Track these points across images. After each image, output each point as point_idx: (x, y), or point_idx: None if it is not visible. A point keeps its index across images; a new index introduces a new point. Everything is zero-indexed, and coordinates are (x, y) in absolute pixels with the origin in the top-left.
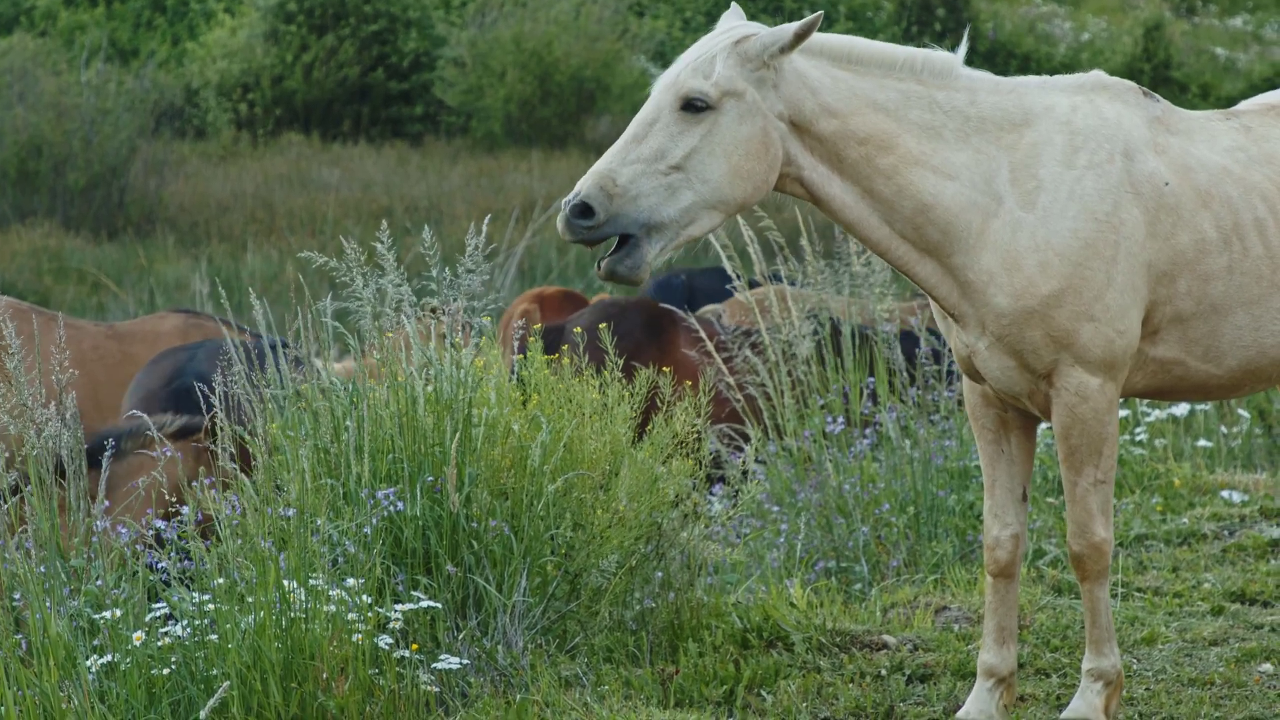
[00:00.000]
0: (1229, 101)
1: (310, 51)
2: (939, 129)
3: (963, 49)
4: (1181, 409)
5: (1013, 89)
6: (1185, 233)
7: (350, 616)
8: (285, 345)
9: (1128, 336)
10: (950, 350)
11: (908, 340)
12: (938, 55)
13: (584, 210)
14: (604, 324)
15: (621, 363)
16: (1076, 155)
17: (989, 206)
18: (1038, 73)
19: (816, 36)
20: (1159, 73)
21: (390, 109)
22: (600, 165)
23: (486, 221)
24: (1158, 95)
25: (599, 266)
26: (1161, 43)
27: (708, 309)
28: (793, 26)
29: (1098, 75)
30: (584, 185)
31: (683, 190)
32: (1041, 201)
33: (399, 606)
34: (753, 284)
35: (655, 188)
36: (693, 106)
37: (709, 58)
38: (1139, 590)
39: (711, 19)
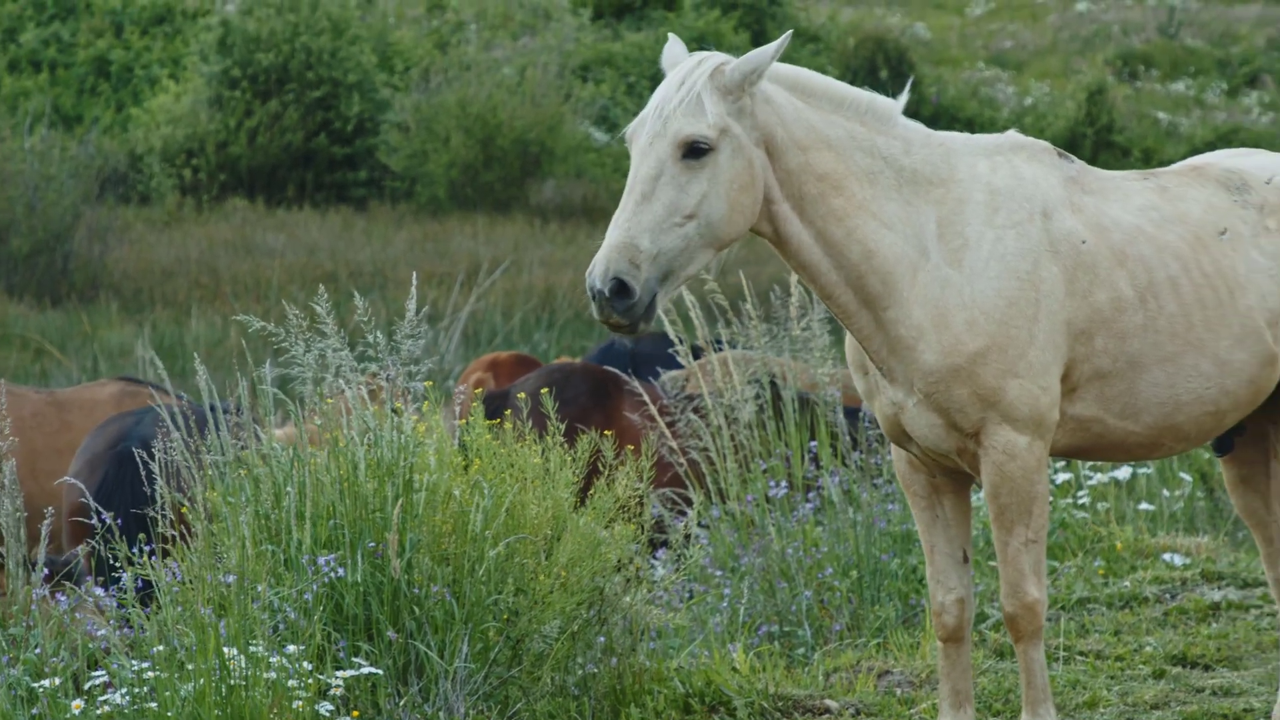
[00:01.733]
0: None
1: (254, 117)
2: (877, 175)
3: (904, 97)
4: (1123, 472)
5: (941, 143)
6: (1102, 290)
7: (291, 683)
8: (227, 411)
9: (1051, 393)
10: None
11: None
12: (881, 100)
13: (622, 290)
14: (547, 389)
15: (564, 427)
16: (996, 214)
17: (918, 261)
18: None
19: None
20: (1101, 137)
21: (334, 174)
22: (618, 237)
23: (415, 285)
24: (1072, 155)
25: (615, 320)
26: (1104, 107)
27: (671, 375)
28: (770, 49)
29: (1013, 136)
30: (611, 264)
31: (694, 236)
32: (967, 260)
33: (340, 673)
34: (695, 349)
35: (674, 241)
36: (696, 152)
37: (694, 98)
38: (1081, 654)
39: (655, 81)
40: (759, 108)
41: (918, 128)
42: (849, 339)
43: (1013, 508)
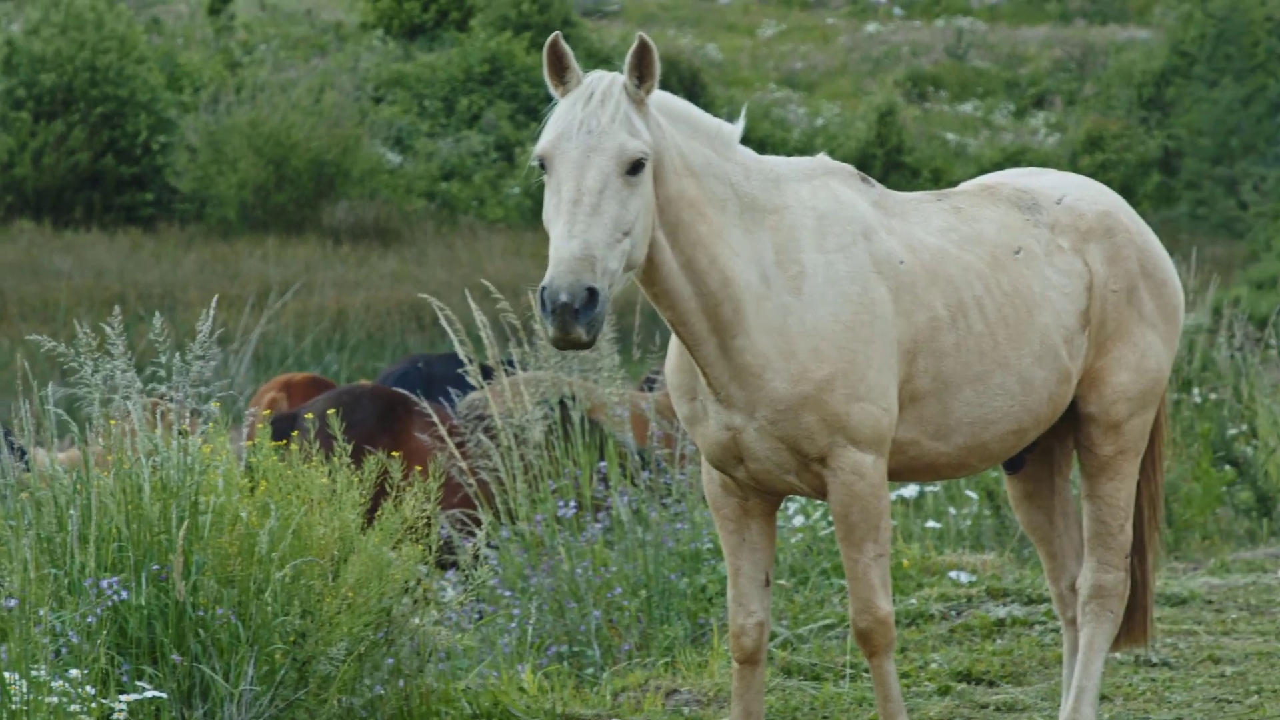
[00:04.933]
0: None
1: (39, 138)
2: (725, 203)
3: (741, 123)
4: (910, 490)
5: (770, 169)
6: (921, 311)
7: (73, 708)
8: (8, 434)
9: (891, 413)
10: (682, 435)
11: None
12: (726, 125)
13: (592, 299)
14: (334, 410)
15: (352, 449)
16: (825, 239)
17: (761, 289)
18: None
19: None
20: (891, 158)
21: (123, 195)
22: (576, 247)
23: (214, 306)
24: (872, 179)
25: (577, 336)
26: (894, 128)
27: (470, 397)
28: (627, 59)
29: (824, 160)
30: (579, 275)
31: (625, 256)
32: (806, 287)
33: (123, 697)
34: (486, 369)
35: (616, 258)
36: (637, 168)
37: (623, 115)
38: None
39: (448, 104)
40: (654, 131)
41: (751, 153)
42: (673, 363)
43: (862, 525)
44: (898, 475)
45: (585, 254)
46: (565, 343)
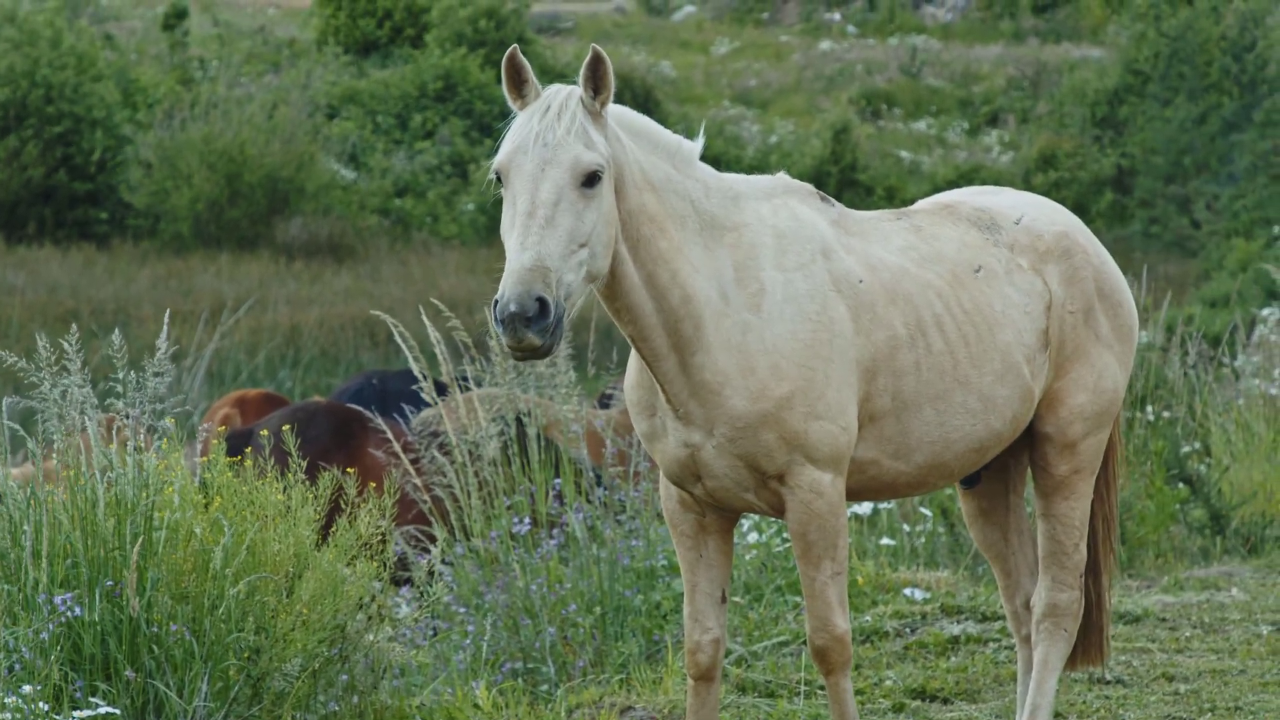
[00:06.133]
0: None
1: None
2: (685, 219)
3: (701, 140)
4: (865, 507)
5: (730, 187)
6: (881, 329)
7: None
8: None
9: (850, 432)
10: (637, 451)
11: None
12: (686, 142)
13: (543, 309)
14: (289, 426)
15: (306, 465)
16: (785, 257)
17: (721, 306)
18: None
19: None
20: (845, 175)
21: (76, 210)
22: (529, 259)
23: (166, 322)
24: (831, 199)
25: (530, 343)
26: (848, 145)
27: (423, 414)
28: (581, 72)
29: (784, 179)
30: (529, 285)
31: (584, 267)
32: (765, 304)
33: (77, 713)
34: (440, 385)
35: (572, 269)
36: (593, 180)
37: (579, 128)
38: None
39: (402, 120)
40: (613, 144)
41: (710, 171)
42: (632, 380)
43: (820, 543)
44: (857, 494)
45: (537, 265)
46: (520, 351)
